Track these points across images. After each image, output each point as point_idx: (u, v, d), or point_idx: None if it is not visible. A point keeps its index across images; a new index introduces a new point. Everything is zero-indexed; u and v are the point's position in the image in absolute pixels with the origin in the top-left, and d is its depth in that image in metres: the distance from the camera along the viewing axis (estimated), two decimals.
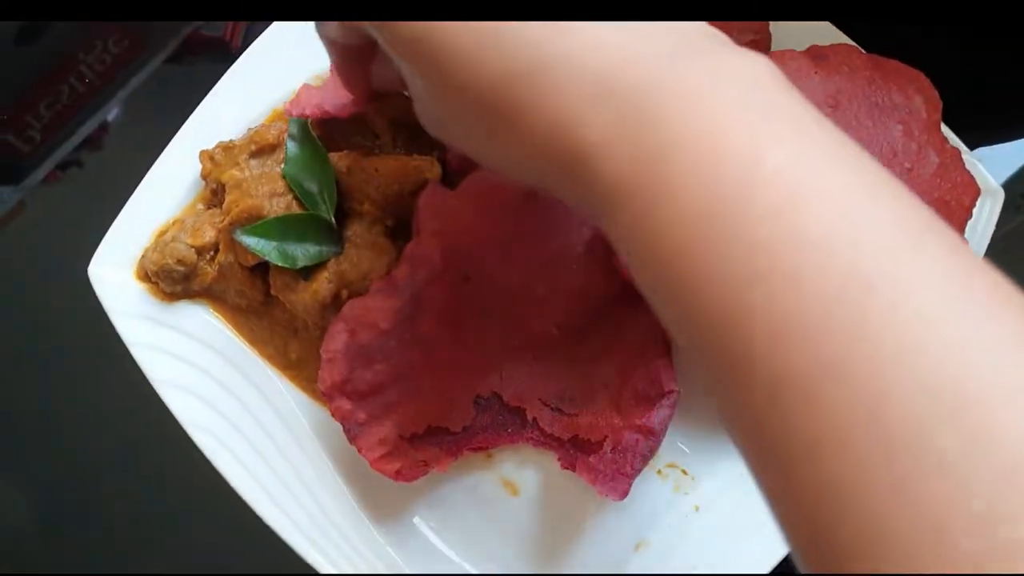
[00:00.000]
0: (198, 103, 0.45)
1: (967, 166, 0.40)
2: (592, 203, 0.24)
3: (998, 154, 0.52)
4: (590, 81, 0.23)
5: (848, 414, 0.19)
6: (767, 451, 0.20)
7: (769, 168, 0.20)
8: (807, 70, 0.39)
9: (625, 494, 0.39)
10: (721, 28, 0.40)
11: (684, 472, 0.42)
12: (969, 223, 0.40)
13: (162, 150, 0.44)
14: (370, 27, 0.27)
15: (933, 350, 0.18)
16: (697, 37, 0.24)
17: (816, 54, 0.40)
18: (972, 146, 0.43)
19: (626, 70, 0.23)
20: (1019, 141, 0.53)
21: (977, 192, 0.39)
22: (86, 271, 0.43)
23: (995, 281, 0.20)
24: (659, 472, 0.43)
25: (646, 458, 0.39)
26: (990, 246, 0.42)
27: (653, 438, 0.39)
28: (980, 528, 0.17)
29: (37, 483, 0.52)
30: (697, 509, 0.42)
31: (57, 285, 0.53)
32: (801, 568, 0.20)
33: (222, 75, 0.45)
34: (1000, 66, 0.53)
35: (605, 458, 0.39)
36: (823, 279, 0.19)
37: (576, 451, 0.41)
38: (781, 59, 0.39)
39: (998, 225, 0.43)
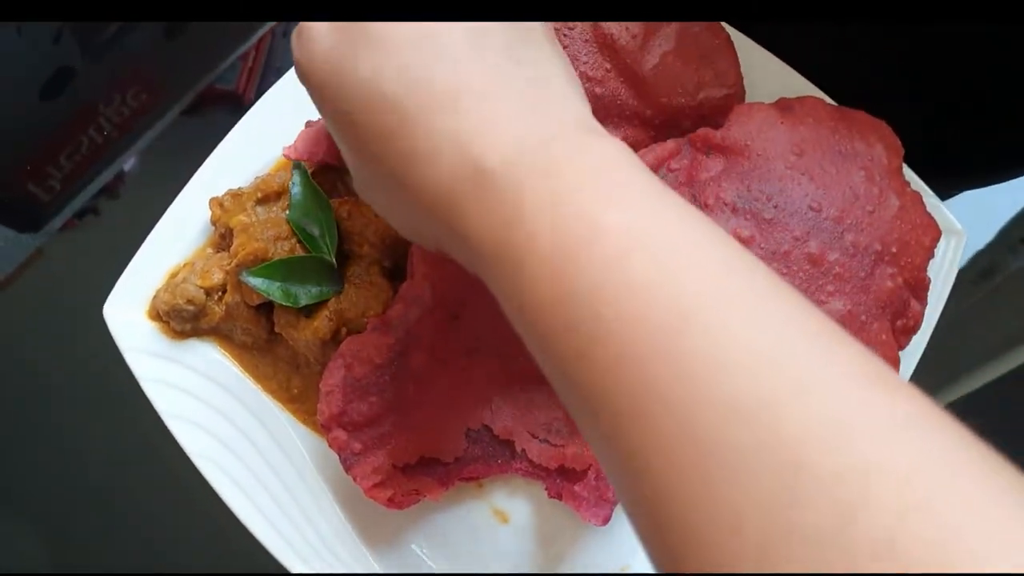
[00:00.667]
0: (210, 153, 0.48)
1: (929, 209, 0.43)
2: (473, 263, 0.29)
3: (999, 197, 0.54)
4: (471, 160, 0.27)
5: (670, 427, 0.21)
6: (620, 472, 0.23)
7: (604, 226, 0.24)
8: (774, 121, 0.42)
9: (607, 519, 0.41)
10: (697, 80, 0.43)
11: None
12: (932, 262, 0.42)
13: (175, 198, 0.47)
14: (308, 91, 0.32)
15: (734, 362, 0.21)
16: (573, 127, 0.28)
17: (783, 106, 0.42)
18: (947, 194, 0.45)
19: (498, 149, 0.27)
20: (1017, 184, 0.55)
21: (938, 233, 0.42)
22: (101, 312, 0.45)
23: (789, 296, 0.23)
24: None
25: None
26: (995, 287, 0.44)
27: None
28: (768, 514, 0.19)
29: (48, 520, 0.54)
30: None
31: (73, 327, 0.56)
32: (656, 570, 0.23)
33: (233, 127, 0.48)
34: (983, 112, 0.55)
35: (589, 485, 0.41)
36: (647, 314, 0.23)
37: (562, 480, 0.43)
38: (750, 110, 0.42)
39: (999, 268, 0.46)
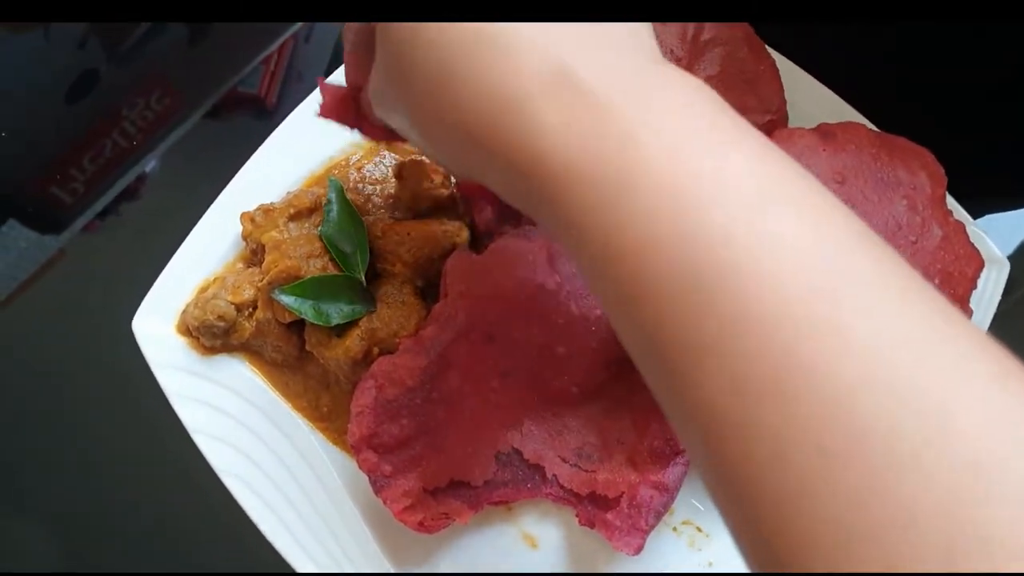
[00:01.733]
0: (232, 156, 0.47)
1: (972, 238, 0.42)
2: (529, 190, 0.23)
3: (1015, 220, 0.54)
4: (554, 60, 0.23)
5: (819, 409, 0.19)
6: (726, 452, 0.20)
7: (732, 168, 0.21)
8: (816, 147, 0.41)
9: (639, 549, 0.40)
10: (741, 105, 0.42)
11: (699, 529, 0.44)
12: (975, 293, 0.41)
13: (196, 201, 0.46)
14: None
15: (895, 350, 0.19)
16: (665, 63, 0.24)
17: (825, 131, 0.42)
18: (981, 213, 0.45)
19: (585, 65, 0.23)
20: None
21: (981, 264, 0.41)
22: (121, 315, 0.45)
23: (911, 272, 0.21)
24: (674, 529, 0.44)
25: (660, 514, 0.41)
26: (1014, 311, 0.44)
27: (667, 495, 0.41)
28: (947, 511, 0.18)
29: (63, 525, 0.53)
30: (711, 565, 0.43)
31: (94, 328, 0.55)
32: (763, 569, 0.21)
33: (256, 130, 0.47)
34: (1009, 133, 0.55)
35: (621, 513, 0.41)
36: (788, 279, 0.19)
37: (594, 507, 0.43)
38: (791, 136, 0.41)
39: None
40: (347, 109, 0.36)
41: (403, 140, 0.33)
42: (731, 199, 0.20)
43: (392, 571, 0.43)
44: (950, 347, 0.20)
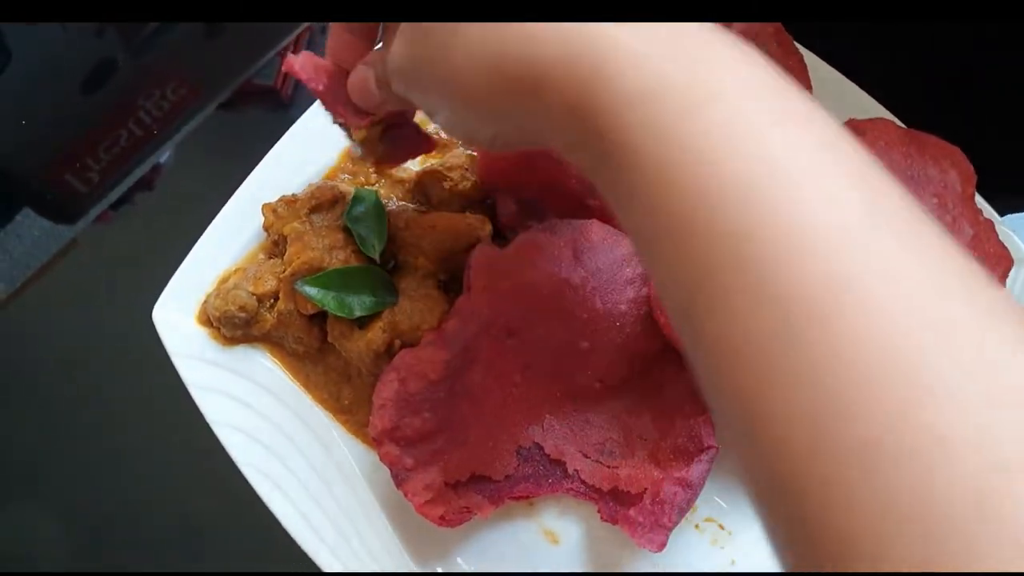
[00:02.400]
0: (247, 148, 0.47)
1: (1001, 236, 0.42)
2: (589, 135, 0.24)
3: None
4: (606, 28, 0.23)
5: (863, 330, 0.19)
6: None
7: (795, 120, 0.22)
8: None
9: (663, 546, 0.40)
10: None
11: (721, 527, 0.44)
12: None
13: (211, 192, 0.46)
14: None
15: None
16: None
17: (854, 128, 0.42)
18: (1007, 212, 0.44)
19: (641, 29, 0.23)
20: None
21: (1011, 262, 0.41)
22: (135, 305, 0.44)
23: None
24: (697, 527, 0.44)
25: (683, 511, 0.41)
26: None
27: (691, 491, 0.40)
28: (979, 440, 0.18)
29: (79, 515, 0.53)
30: (734, 563, 0.43)
31: (107, 317, 0.55)
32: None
33: (271, 122, 0.47)
34: None
35: (644, 509, 0.40)
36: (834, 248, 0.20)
37: (616, 503, 0.42)
38: None
39: None
40: (339, 86, 0.36)
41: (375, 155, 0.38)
42: (800, 156, 0.21)
43: (411, 564, 0.43)
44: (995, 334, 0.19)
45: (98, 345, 0.56)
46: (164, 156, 0.62)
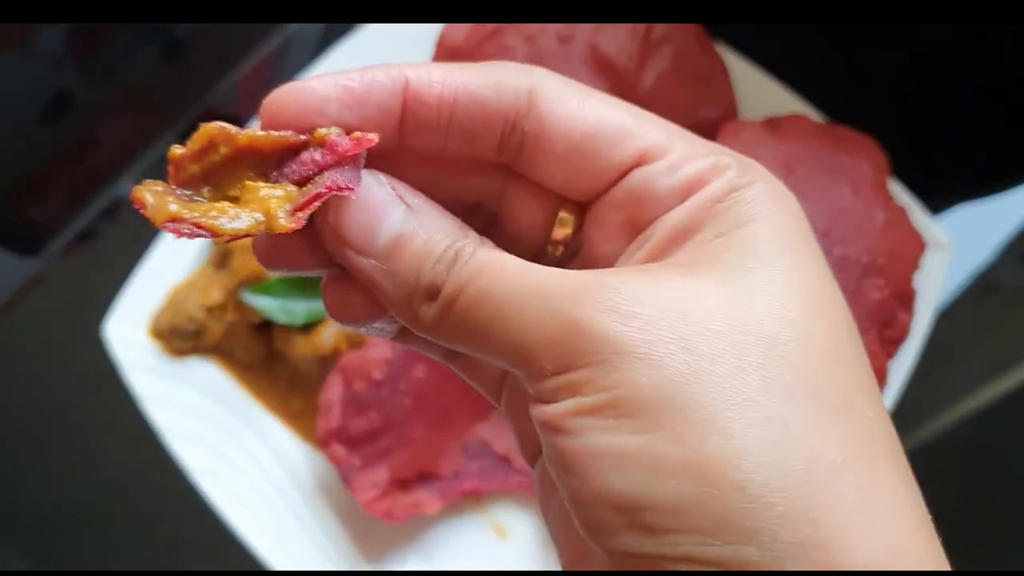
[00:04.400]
0: None
1: (918, 222, 0.43)
2: None
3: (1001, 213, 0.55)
4: None
5: None
6: None
7: None
8: (762, 138, 0.43)
9: None
10: (693, 100, 0.44)
11: None
12: (917, 273, 0.43)
13: None
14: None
15: None
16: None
17: (771, 123, 0.44)
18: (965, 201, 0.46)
19: None
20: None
21: (922, 245, 0.43)
22: (101, 334, 0.46)
23: None
24: None
25: None
26: (997, 304, 0.45)
27: None
28: None
29: (47, 538, 0.54)
30: None
31: (74, 348, 0.56)
32: None
33: None
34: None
35: None
36: None
37: None
38: (739, 129, 0.43)
39: (1001, 284, 0.46)
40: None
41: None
42: None
43: (363, 562, 0.44)
44: None
45: (66, 376, 0.56)
46: (127, 186, 0.63)
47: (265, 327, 0.45)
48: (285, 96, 0.19)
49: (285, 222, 0.18)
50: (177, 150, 0.19)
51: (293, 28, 0.64)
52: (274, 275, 0.44)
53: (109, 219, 0.62)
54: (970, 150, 0.56)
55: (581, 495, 0.17)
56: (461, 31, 0.45)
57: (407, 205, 0.19)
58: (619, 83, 0.44)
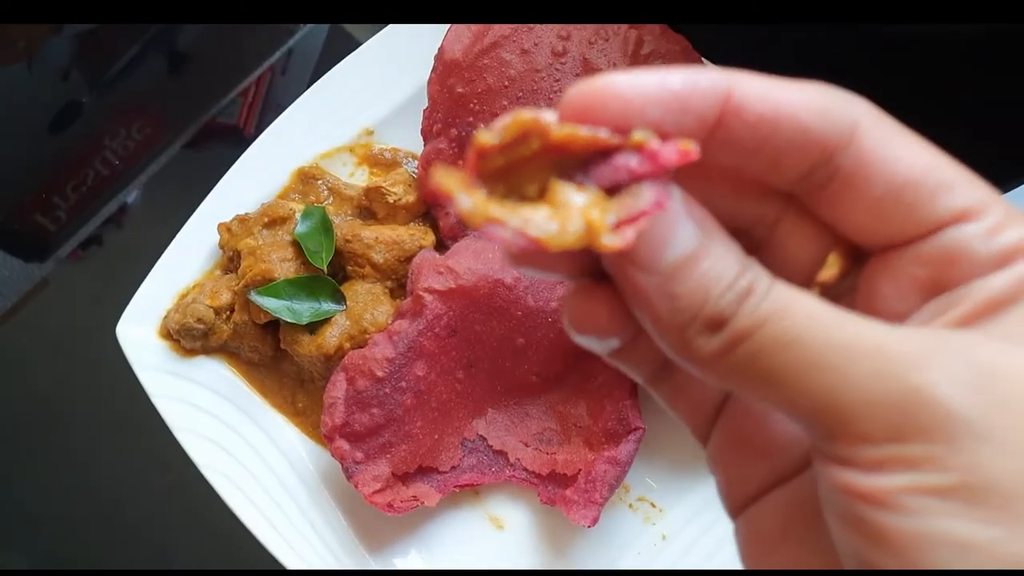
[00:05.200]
0: (212, 185, 0.50)
1: None
2: None
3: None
4: None
5: None
6: None
7: None
8: None
9: (595, 521, 0.43)
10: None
11: (652, 505, 0.47)
12: None
13: (177, 228, 0.49)
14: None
15: None
16: None
17: None
18: None
19: None
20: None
21: None
22: (105, 339, 0.47)
23: None
24: (630, 506, 0.47)
25: (613, 487, 0.44)
26: None
27: (619, 468, 0.44)
28: None
29: (56, 526, 0.55)
30: (664, 538, 0.46)
31: (77, 353, 0.57)
32: None
33: (234, 160, 0.50)
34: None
35: (579, 488, 0.44)
36: None
37: (554, 486, 0.45)
38: None
39: None
40: None
41: None
42: None
43: (366, 554, 0.46)
44: None
45: (70, 380, 0.57)
46: (132, 195, 0.64)
47: (271, 327, 0.47)
48: (604, 90, 0.17)
49: (610, 241, 0.16)
50: (485, 137, 0.16)
51: (294, 42, 0.66)
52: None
53: (114, 226, 0.64)
54: (970, 150, 0.57)
55: None
56: (459, 45, 0.47)
57: (695, 224, 0.17)
58: None
